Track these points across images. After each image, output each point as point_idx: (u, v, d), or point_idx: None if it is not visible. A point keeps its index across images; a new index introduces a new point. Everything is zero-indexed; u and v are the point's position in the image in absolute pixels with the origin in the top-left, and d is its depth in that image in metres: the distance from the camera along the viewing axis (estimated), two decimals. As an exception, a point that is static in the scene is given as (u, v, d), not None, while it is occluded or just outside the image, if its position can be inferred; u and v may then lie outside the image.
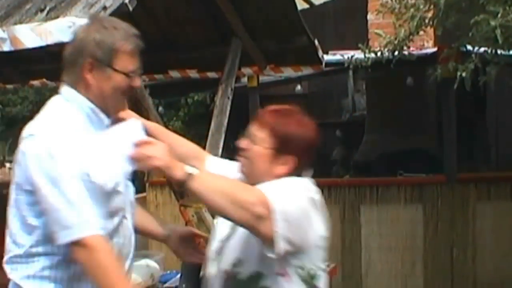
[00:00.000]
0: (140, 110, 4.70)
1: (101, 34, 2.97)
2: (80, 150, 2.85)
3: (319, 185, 2.95)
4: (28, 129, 2.91)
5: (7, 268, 2.97)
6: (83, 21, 3.76)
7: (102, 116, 3.02)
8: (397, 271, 8.05)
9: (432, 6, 5.75)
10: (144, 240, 6.51)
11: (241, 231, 2.88)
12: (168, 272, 5.07)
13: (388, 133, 9.63)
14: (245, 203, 2.69)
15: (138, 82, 3.08)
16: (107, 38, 2.96)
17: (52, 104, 3.03)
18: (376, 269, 8.12)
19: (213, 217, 4.44)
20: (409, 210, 8.00)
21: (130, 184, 3.14)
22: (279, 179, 2.86)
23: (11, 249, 2.96)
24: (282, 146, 2.89)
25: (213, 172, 3.08)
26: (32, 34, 4.15)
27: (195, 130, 14.45)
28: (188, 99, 14.03)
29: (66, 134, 2.87)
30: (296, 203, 2.77)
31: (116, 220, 3.00)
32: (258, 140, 2.93)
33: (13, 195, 2.94)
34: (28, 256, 2.91)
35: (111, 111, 3.04)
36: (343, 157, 11.16)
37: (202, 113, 14.00)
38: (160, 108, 12.83)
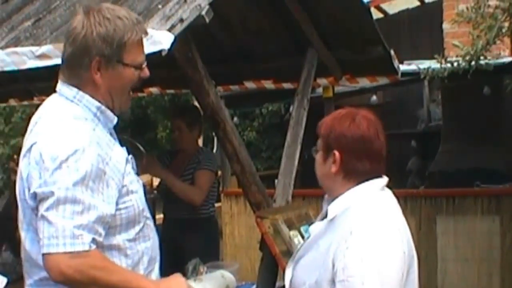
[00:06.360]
0: (217, 121, 4.75)
1: (105, 28, 2.76)
2: (93, 148, 2.68)
3: (395, 196, 2.95)
4: (33, 138, 2.74)
5: None
6: (161, 33, 3.79)
7: (109, 113, 2.86)
8: (473, 283, 7.93)
9: (509, 17, 5.68)
10: (218, 251, 6.56)
11: (312, 256, 2.89)
12: (244, 283, 5.08)
13: (465, 144, 9.52)
14: None
15: (147, 72, 2.94)
16: (113, 31, 2.76)
17: (53, 106, 2.84)
18: (452, 281, 8.02)
19: (290, 229, 4.45)
20: (486, 221, 7.88)
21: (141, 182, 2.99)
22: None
23: (35, 271, 2.76)
24: (326, 144, 2.92)
25: None
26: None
27: (269, 140, 14.53)
28: (262, 109, 14.08)
29: (76, 136, 2.67)
30: None
31: (140, 223, 2.86)
32: (318, 148, 2.98)
33: (22, 215, 2.77)
34: None
35: (118, 108, 2.89)
36: (419, 168, 11.08)
37: (276, 123, 14.05)
38: (235, 119, 12.90)
